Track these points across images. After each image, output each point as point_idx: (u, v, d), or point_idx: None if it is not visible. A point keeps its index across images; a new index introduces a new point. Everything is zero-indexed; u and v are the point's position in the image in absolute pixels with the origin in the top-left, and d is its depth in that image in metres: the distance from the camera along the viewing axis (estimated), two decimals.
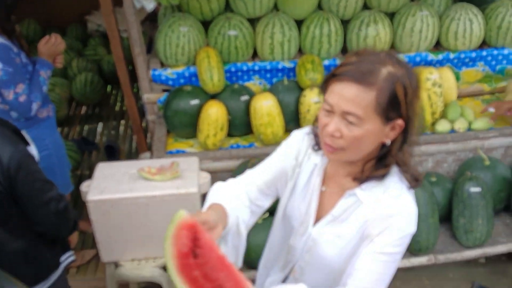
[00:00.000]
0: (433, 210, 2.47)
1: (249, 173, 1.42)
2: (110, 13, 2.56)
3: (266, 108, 2.55)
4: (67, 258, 1.82)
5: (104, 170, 2.33)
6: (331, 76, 1.13)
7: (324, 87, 1.15)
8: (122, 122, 4.47)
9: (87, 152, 4.01)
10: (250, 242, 2.34)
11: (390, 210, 1.15)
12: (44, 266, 1.69)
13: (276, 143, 2.65)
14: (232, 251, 1.30)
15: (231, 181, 1.40)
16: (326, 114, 1.14)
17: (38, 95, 2.36)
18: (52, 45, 2.43)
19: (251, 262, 2.26)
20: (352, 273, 1.18)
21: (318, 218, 1.29)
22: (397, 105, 1.10)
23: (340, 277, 1.25)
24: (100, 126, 4.44)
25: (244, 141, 2.78)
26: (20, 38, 2.42)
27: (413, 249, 2.48)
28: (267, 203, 1.42)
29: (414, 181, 1.19)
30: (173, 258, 0.92)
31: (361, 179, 1.20)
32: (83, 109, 4.66)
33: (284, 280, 1.44)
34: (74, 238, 2.01)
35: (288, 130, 2.72)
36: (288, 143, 1.37)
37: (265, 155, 2.58)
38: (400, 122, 1.12)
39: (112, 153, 3.90)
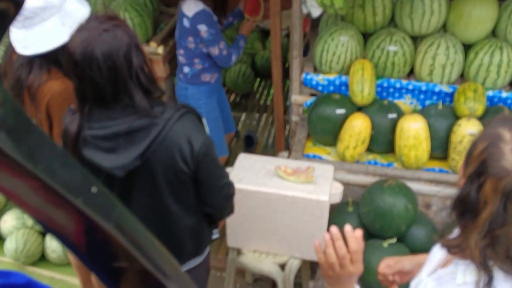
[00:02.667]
0: None
1: None
2: (278, 14, 2.68)
3: (414, 130, 2.45)
4: (213, 235, 2.01)
5: (244, 161, 2.47)
6: None
7: None
8: (264, 116, 4.66)
9: None
10: (371, 264, 2.31)
11: None
12: (203, 242, 1.88)
13: (417, 168, 2.54)
14: None
15: None
16: None
17: (236, 52, 3.06)
18: (250, 26, 3.19)
19: (369, 284, 2.21)
20: None
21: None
22: (467, 160, 1.08)
23: None
24: (243, 116, 4.68)
25: (383, 159, 2.71)
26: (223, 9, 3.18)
27: None
28: None
29: None
30: None
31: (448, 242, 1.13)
32: (232, 96, 4.94)
33: None
34: (222, 221, 2.15)
35: (433, 157, 2.59)
36: None
37: (403, 178, 2.52)
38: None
39: (250, 143, 4.09)
